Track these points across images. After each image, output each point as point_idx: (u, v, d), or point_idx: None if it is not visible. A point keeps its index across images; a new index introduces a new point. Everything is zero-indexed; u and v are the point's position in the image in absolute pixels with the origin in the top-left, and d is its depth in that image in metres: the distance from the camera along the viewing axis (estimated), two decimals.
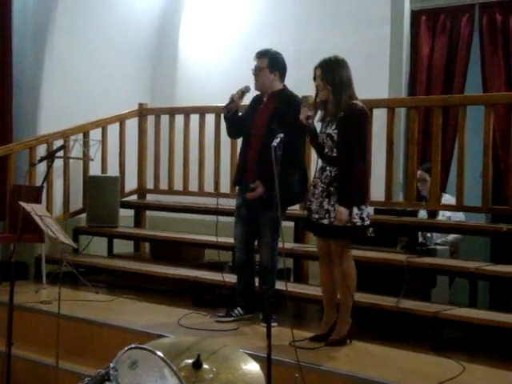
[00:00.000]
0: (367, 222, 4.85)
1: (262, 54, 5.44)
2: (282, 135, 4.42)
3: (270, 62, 5.41)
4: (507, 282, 5.72)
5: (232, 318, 5.55)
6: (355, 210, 4.76)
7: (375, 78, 7.12)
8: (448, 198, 6.73)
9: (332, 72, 4.81)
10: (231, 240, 6.52)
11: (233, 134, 5.83)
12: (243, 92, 5.43)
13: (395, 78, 7.40)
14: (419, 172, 6.72)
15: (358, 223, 4.78)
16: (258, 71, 5.42)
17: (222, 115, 5.63)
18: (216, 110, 7.28)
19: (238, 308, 5.61)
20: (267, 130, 5.28)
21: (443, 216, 6.73)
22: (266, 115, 5.42)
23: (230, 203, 6.19)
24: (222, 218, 6.76)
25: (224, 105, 5.50)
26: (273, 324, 5.16)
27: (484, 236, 6.48)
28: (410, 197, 6.36)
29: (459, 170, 6.02)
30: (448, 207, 6.46)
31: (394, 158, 6.51)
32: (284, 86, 5.51)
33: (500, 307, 5.92)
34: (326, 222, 4.81)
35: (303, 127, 4.87)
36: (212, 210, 7.18)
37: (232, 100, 5.42)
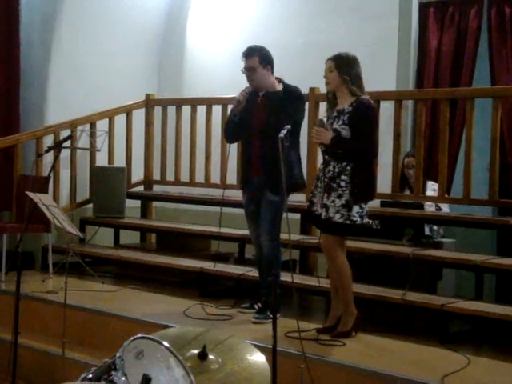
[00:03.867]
0: (365, 220, 4.84)
1: (251, 53, 5.38)
2: (288, 126, 4.43)
3: (261, 59, 5.37)
4: None
5: (254, 311, 5.52)
6: (356, 208, 4.76)
7: (383, 71, 7.10)
8: (431, 185, 6.67)
9: (345, 64, 4.84)
10: (237, 231, 6.55)
11: (234, 138, 5.78)
12: (247, 93, 5.40)
13: (403, 71, 7.38)
14: (411, 159, 6.67)
15: (358, 222, 4.78)
16: (251, 71, 5.37)
17: (228, 119, 5.61)
18: (223, 102, 7.28)
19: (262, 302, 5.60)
20: (265, 126, 5.29)
21: (431, 207, 6.68)
22: (265, 111, 5.37)
23: (236, 194, 6.18)
24: (228, 210, 6.77)
25: (231, 109, 5.50)
26: (261, 321, 5.22)
27: (490, 229, 6.47)
28: (416, 189, 6.35)
29: (466, 162, 6.01)
30: (454, 200, 6.44)
31: (401, 150, 6.51)
32: (278, 78, 5.47)
33: (506, 300, 5.91)
34: (323, 216, 4.83)
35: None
36: (218, 202, 7.21)
37: (239, 102, 5.38)
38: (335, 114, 4.89)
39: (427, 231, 6.39)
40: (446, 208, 6.63)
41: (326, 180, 4.84)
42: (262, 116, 5.37)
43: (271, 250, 5.36)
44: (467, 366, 4.39)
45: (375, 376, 4.24)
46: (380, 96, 6.23)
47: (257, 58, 5.36)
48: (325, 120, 4.95)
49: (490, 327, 5.16)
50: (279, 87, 5.40)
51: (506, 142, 6.67)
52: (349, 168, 4.77)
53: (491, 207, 6.77)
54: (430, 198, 6.49)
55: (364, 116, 4.81)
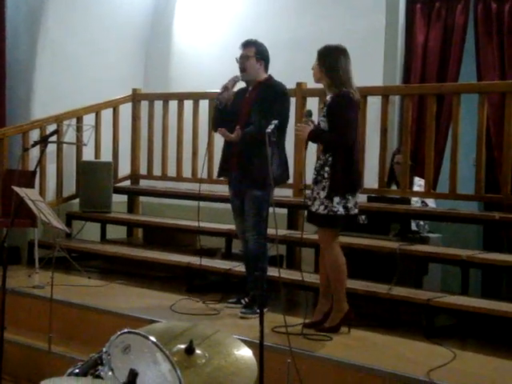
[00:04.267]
0: (354, 212, 4.84)
1: (249, 44, 5.47)
2: (276, 121, 4.43)
3: (257, 52, 5.43)
4: (499, 270, 5.75)
5: (241, 306, 5.52)
6: (337, 199, 4.76)
7: (370, 66, 7.11)
8: (418, 180, 6.70)
9: (326, 56, 4.84)
10: (224, 226, 6.55)
11: (218, 127, 5.80)
12: (235, 81, 5.43)
13: (390, 66, 7.39)
14: (400, 156, 6.69)
15: (339, 212, 4.78)
16: (245, 59, 5.43)
17: (214, 107, 5.62)
18: (210, 96, 7.26)
19: (249, 297, 5.59)
20: (249, 119, 5.33)
21: (417, 202, 6.71)
22: (249, 104, 5.43)
23: (222, 189, 6.18)
24: (214, 204, 6.77)
25: (217, 95, 5.50)
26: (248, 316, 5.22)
27: (477, 224, 6.50)
28: (403, 185, 6.37)
29: (452, 158, 6.03)
30: (441, 195, 6.47)
31: (388, 145, 6.53)
32: (269, 75, 5.52)
33: (491, 295, 5.95)
34: (312, 209, 4.87)
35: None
36: (205, 196, 7.21)
37: (225, 88, 5.41)
38: (322, 105, 4.93)
39: (414, 226, 6.41)
40: (432, 203, 6.65)
41: (315, 173, 4.88)
42: (248, 111, 5.39)
43: (257, 245, 5.37)
44: (453, 360, 4.41)
45: (362, 370, 4.25)
46: (367, 91, 6.24)
47: (253, 49, 5.43)
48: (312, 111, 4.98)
49: (475, 322, 5.19)
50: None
51: (493, 137, 6.70)
52: (330, 159, 4.79)
53: (477, 202, 6.80)
54: (417, 194, 6.51)
55: (338, 109, 4.80)
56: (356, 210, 4.86)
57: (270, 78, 5.51)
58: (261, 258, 5.35)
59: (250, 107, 5.41)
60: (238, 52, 5.49)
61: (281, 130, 5.17)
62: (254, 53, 5.42)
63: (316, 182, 4.85)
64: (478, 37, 6.99)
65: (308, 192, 5.01)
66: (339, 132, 4.79)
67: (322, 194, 4.79)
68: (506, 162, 5.82)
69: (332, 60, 4.83)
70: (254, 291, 5.37)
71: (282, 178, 5.42)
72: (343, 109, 4.80)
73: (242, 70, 5.44)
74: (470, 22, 7.06)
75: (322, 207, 4.79)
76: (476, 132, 5.92)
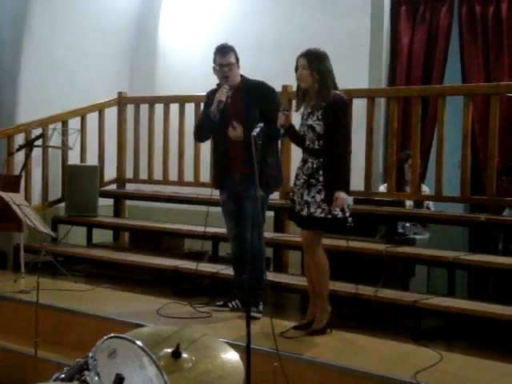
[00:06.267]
0: (348, 213, 4.85)
1: (228, 50, 5.41)
2: (261, 124, 4.43)
3: (235, 56, 5.42)
4: (485, 271, 5.77)
5: (228, 309, 5.51)
6: None
7: (355, 68, 7.13)
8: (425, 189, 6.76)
9: (318, 60, 4.83)
10: (211, 229, 6.53)
11: (206, 137, 5.77)
12: (227, 92, 5.39)
13: (375, 68, 7.42)
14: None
15: (339, 215, 4.79)
16: (229, 67, 5.37)
17: (203, 119, 5.57)
18: (196, 99, 7.26)
19: (236, 300, 5.54)
20: (247, 119, 5.27)
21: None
22: (240, 105, 5.38)
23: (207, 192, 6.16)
24: (200, 208, 6.75)
25: (214, 110, 5.40)
26: (256, 315, 5.17)
27: (462, 226, 6.52)
28: (389, 186, 6.39)
29: (438, 159, 6.05)
30: (426, 197, 6.49)
31: (374, 147, 6.54)
32: (241, 75, 5.50)
33: (478, 296, 5.97)
34: (304, 213, 4.83)
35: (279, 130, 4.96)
36: (191, 200, 7.21)
37: (220, 102, 5.33)
38: (309, 110, 4.89)
39: (400, 228, 6.43)
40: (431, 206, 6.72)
41: (304, 177, 4.85)
42: (241, 112, 5.36)
43: (259, 245, 5.17)
44: (440, 361, 4.41)
45: (348, 372, 4.25)
46: (352, 94, 6.25)
47: (233, 54, 5.41)
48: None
49: (462, 323, 5.20)
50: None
51: (478, 138, 6.73)
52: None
53: (463, 204, 6.82)
54: (403, 195, 6.54)
55: (338, 112, 4.80)
56: (349, 212, 4.87)
57: (245, 77, 5.48)
58: (262, 257, 5.27)
59: (244, 108, 5.36)
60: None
61: (274, 136, 5.20)
62: (235, 59, 5.40)
63: (309, 185, 4.81)
64: (462, 39, 7.04)
65: (295, 197, 4.98)
66: (338, 134, 4.78)
67: (318, 197, 4.76)
68: (490, 164, 5.84)
69: (324, 65, 4.83)
70: (255, 290, 5.26)
71: (279, 180, 5.51)
72: (341, 114, 4.81)
73: (225, 77, 5.39)
74: (455, 25, 7.10)
75: (319, 210, 4.76)
76: (461, 134, 5.94)
